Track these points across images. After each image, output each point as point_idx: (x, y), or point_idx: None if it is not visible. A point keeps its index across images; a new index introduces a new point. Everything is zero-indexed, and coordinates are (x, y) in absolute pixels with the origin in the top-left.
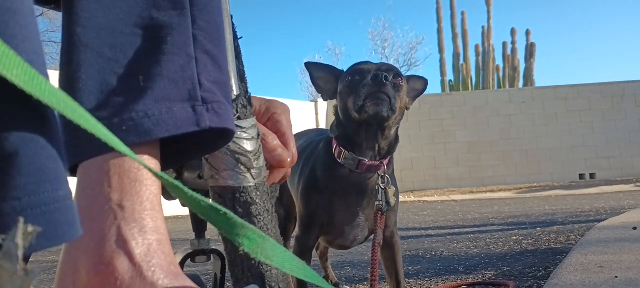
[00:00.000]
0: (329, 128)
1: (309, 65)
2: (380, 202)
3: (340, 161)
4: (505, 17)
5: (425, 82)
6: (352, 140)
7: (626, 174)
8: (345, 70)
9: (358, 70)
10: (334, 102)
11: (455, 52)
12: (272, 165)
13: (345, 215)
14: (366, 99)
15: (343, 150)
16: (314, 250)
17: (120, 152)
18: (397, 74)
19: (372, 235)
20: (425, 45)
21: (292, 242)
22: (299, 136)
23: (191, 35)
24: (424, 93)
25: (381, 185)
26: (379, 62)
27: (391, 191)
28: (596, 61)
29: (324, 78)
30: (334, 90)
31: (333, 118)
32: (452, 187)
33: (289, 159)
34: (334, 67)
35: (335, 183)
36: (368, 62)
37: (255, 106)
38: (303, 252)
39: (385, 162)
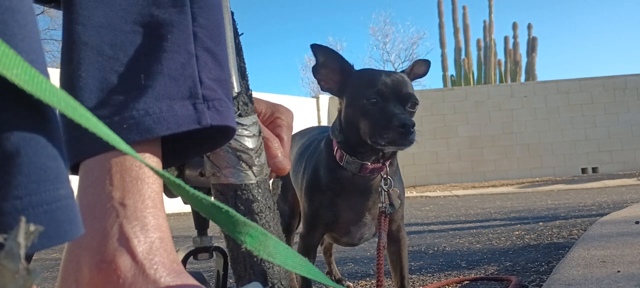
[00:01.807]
0: (330, 124)
1: (316, 48)
2: (384, 205)
3: (342, 164)
4: (507, 11)
5: (427, 66)
6: (355, 148)
7: (629, 168)
8: (353, 66)
9: (378, 91)
10: (335, 98)
11: (456, 47)
12: (272, 170)
13: (350, 216)
14: (389, 143)
15: (344, 154)
16: (319, 245)
17: (122, 150)
18: (415, 101)
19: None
20: (427, 40)
21: (297, 238)
22: (301, 134)
23: (191, 33)
24: (426, 88)
25: (384, 187)
26: (388, 70)
27: (395, 193)
28: (598, 55)
29: (329, 67)
30: (337, 87)
31: (334, 114)
32: (454, 182)
33: (288, 167)
34: (342, 58)
35: (338, 185)
36: (381, 73)
37: (261, 109)
38: (307, 250)
39: (388, 163)
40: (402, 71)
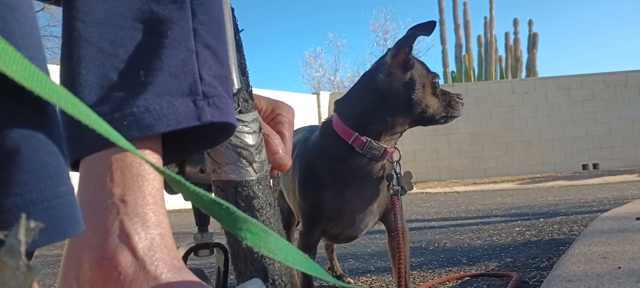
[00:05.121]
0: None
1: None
2: (395, 186)
3: (360, 151)
4: (508, 7)
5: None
6: (379, 132)
7: (629, 164)
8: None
9: (435, 73)
10: (336, 94)
11: (457, 43)
12: (273, 166)
13: (358, 204)
14: (455, 116)
15: (368, 140)
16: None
17: (122, 147)
18: None
19: (379, 222)
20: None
21: (296, 234)
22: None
23: (191, 29)
24: None
25: (396, 170)
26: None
27: (408, 176)
28: (599, 51)
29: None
30: (406, 64)
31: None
32: (454, 178)
33: (290, 163)
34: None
35: (348, 174)
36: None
37: (262, 106)
38: (308, 248)
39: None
40: None
